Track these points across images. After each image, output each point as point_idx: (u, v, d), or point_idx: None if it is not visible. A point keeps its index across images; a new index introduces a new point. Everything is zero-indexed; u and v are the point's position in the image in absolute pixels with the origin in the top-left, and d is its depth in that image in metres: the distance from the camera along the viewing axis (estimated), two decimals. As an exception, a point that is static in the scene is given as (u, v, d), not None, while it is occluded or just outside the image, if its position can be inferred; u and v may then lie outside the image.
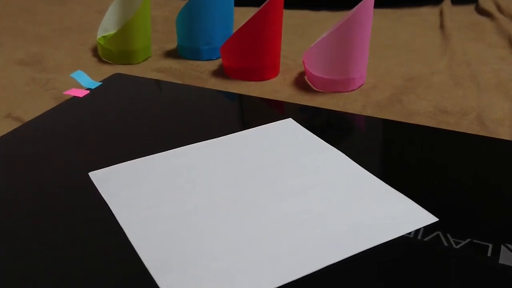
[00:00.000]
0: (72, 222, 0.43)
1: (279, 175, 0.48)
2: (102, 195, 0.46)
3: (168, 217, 0.43)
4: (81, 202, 0.45)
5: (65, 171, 0.50)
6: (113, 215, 0.43)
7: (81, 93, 0.65)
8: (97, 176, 0.48)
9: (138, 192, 0.46)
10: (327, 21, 0.99)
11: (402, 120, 0.62)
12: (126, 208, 0.44)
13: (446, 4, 1.07)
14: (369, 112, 0.65)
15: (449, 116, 0.64)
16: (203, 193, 0.46)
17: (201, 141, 0.54)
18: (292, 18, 0.99)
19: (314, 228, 0.41)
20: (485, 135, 0.59)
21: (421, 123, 0.62)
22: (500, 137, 0.58)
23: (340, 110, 0.65)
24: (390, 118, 0.63)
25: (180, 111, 0.62)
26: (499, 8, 1.04)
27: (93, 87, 0.67)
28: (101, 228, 0.42)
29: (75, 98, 0.64)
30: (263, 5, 0.70)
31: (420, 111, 0.65)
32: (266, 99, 0.66)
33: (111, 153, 0.52)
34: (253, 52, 0.72)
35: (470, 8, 1.08)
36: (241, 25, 0.71)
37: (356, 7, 0.66)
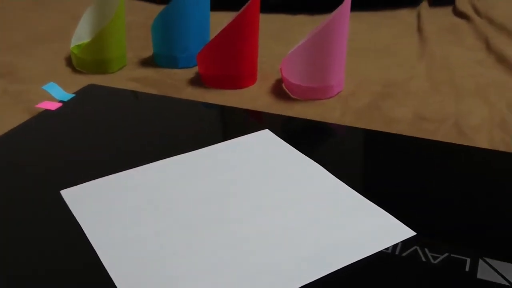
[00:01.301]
0: (42, 243, 0.42)
1: (254, 190, 0.47)
2: (74, 215, 0.45)
3: (143, 237, 0.42)
4: (52, 222, 0.44)
5: (36, 189, 0.48)
6: (85, 236, 0.42)
7: (53, 106, 0.64)
8: (69, 194, 0.47)
9: (112, 211, 0.45)
10: (304, 25, 0.99)
11: (381, 128, 0.62)
12: (99, 228, 0.43)
13: (424, 7, 1.07)
14: (348, 119, 0.64)
15: (428, 123, 0.64)
16: (179, 211, 0.45)
17: (176, 155, 0.53)
18: (268, 22, 0.98)
19: (290, 246, 0.41)
20: (463, 142, 0.58)
21: (400, 131, 0.61)
22: (478, 144, 0.58)
23: (318, 118, 0.64)
24: (369, 126, 0.62)
25: (156, 124, 0.61)
26: (475, 10, 1.04)
27: (66, 99, 0.66)
28: (73, 250, 0.41)
29: (47, 111, 0.63)
30: (239, 12, 0.69)
31: (399, 118, 0.65)
32: (243, 109, 0.65)
33: (84, 169, 0.51)
34: (230, 60, 0.71)
35: (448, 10, 1.08)
36: (218, 32, 0.70)
37: (332, 14, 0.65)
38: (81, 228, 0.43)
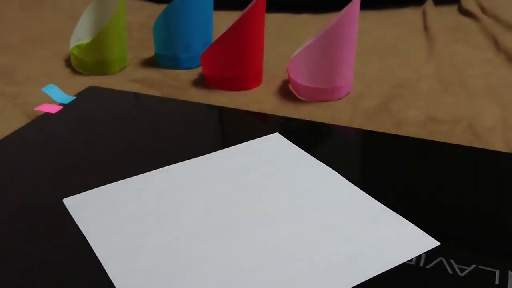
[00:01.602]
0: (44, 255, 0.39)
1: (267, 197, 0.45)
2: (78, 224, 0.43)
3: (150, 247, 0.40)
4: (55, 233, 0.42)
5: (37, 197, 0.46)
6: (90, 246, 0.40)
7: (54, 109, 0.61)
8: (72, 203, 0.45)
9: (117, 220, 0.43)
10: (308, 24, 0.97)
11: (392, 130, 0.60)
12: (104, 238, 0.41)
13: (429, 5, 1.06)
14: (357, 122, 0.62)
15: (440, 125, 0.62)
16: (187, 219, 0.43)
17: (183, 160, 0.51)
18: (272, 22, 0.96)
19: (306, 258, 0.38)
20: (479, 144, 0.57)
21: (411, 133, 0.59)
22: (494, 146, 0.56)
23: (327, 120, 0.62)
24: (379, 128, 0.60)
25: (160, 128, 0.58)
26: (482, 9, 1.03)
27: (66, 102, 0.63)
28: (77, 261, 0.39)
29: (47, 114, 0.60)
30: (244, 11, 0.67)
31: (410, 120, 0.63)
32: (251, 112, 0.63)
33: (87, 176, 0.49)
34: (235, 61, 0.69)
35: (453, 8, 1.06)
36: (222, 32, 0.68)
37: (341, 12, 0.63)
38: (85, 238, 0.41)
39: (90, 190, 0.47)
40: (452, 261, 0.38)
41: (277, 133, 0.55)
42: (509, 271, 0.37)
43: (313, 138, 0.56)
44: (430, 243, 0.39)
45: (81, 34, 0.79)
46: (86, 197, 0.46)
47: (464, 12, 1.03)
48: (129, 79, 0.75)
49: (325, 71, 0.66)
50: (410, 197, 0.46)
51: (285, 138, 0.54)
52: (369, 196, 0.45)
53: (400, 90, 0.71)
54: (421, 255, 0.38)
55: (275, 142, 0.54)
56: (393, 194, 0.46)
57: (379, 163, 0.51)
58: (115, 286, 0.37)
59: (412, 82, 0.74)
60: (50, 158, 0.52)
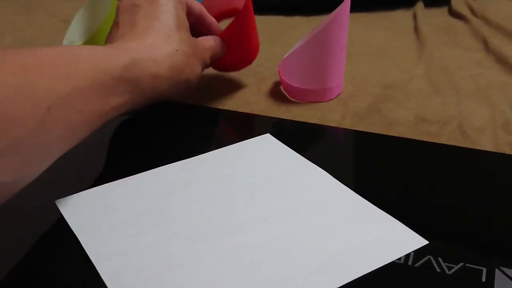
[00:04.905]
0: (36, 256, 0.40)
1: (257, 198, 0.46)
2: (70, 225, 0.43)
3: (142, 248, 0.40)
4: (47, 234, 0.42)
5: (28, 198, 0.46)
6: (82, 247, 0.40)
7: (45, 111, 0.61)
8: (64, 204, 0.45)
9: (109, 221, 0.43)
10: (301, 27, 0.97)
11: (382, 130, 0.60)
12: (96, 239, 0.41)
13: (419, 7, 1.06)
14: (348, 122, 0.63)
15: (430, 125, 0.62)
16: (179, 220, 0.43)
17: (173, 161, 0.51)
18: (264, 24, 0.97)
19: (297, 257, 0.39)
20: (467, 144, 0.57)
21: (402, 133, 0.60)
22: (482, 146, 0.57)
23: (318, 121, 0.63)
24: (370, 128, 0.61)
25: (150, 129, 0.59)
26: (472, 10, 1.04)
27: (58, 104, 0.63)
28: (69, 262, 0.39)
29: (39, 116, 0.60)
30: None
31: (401, 120, 0.64)
32: (242, 113, 0.64)
33: (79, 177, 0.49)
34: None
35: (443, 10, 1.07)
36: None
37: (332, 14, 0.64)
38: (77, 239, 0.41)
39: (83, 191, 0.47)
40: (440, 259, 0.38)
41: (268, 134, 0.56)
42: (496, 269, 0.37)
43: (304, 139, 0.56)
44: (419, 241, 0.40)
45: (73, 37, 0.80)
46: (78, 198, 0.46)
47: (454, 14, 1.04)
48: (121, 81, 0.75)
49: (316, 72, 0.66)
50: (399, 196, 0.46)
51: (276, 139, 0.55)
52: (359, 196, 0.45)
53: (391, 91, 0.72)
54: (409, 253, 0.39)
55: (266, 143, 0.54)
56: (383, 194, 0.46)
57: (369, 163, 0.52)
58: (108, 286, 0.37)
59: (403, 83, 0.74)
60: (42, 160, 0.52)
